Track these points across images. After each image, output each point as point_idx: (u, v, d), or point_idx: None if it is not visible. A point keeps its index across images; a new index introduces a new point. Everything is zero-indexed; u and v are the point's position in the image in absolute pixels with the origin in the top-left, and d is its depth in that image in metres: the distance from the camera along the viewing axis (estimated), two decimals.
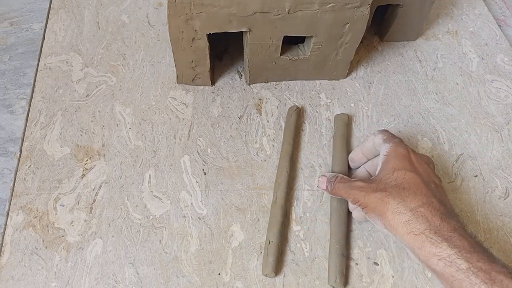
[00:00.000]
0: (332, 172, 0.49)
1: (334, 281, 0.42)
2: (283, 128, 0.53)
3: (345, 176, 0.44)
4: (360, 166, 0.48)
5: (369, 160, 0.47)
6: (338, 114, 0.54)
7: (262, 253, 0.44)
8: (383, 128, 0.47)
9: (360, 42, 0.52)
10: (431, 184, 0.40)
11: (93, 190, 0.48)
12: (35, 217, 0.46)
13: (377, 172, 0.42)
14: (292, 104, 0.55)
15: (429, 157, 0.45)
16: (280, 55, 0.52)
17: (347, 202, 0.46)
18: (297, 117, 0.53)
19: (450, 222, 0.36)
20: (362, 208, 0.41)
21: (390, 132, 0.45)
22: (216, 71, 0.58)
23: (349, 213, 0.46)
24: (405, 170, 0.40)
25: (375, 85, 0.58)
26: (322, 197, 0.48)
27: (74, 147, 0.51)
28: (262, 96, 0.56)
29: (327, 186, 0.44)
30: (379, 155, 0.44)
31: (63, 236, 0.45)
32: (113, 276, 0.43)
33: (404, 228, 0.37)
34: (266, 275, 0.43)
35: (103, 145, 0.51)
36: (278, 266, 0.43)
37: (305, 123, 0.54)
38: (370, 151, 0.47)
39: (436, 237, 0.35)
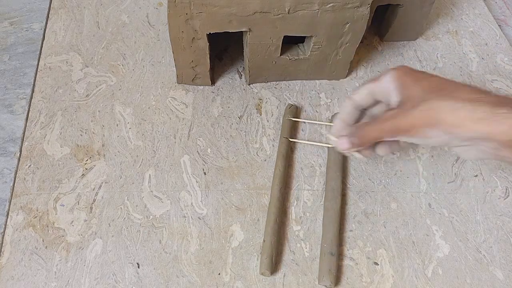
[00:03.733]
0: (327, 171, 0.49)
1: (322, 279, 0.42)
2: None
3: (367, 121, 0.39)
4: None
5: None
6: (334, 114, 0.54)
7: None
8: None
9: (360, 42, 0.52)
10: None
11: (93, 190, 0.48)
12: (35, 217, 0.46)
13: (396, 98, 0.36)
14: (291, 104, 0.55)
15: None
16: (280, 55, 0.52)
17: (340, 201, 0.46)
18: (293, 115, 0.53)
19: (500, 94, 0.33)
20: (407, 132, 0.35)
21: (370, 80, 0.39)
22: (216, 71, 0.58)
23: (341, 213, 0.46)
24: (426, 78, 0.35)
25: None
26: (322, 197, 0.48)
27: (74, 147, 0.51)
28: (262, 96, 0.56)
29: (351, 142, 0.38)
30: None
31: (63, 236, 0.45)
32: (113, 276, 0.43)
33: (471, 120, 0.32)
34: (262, 274, 0.43)
35: (103, 145, 0.51)
36: (275, 265, 0.44)
37: (305, 123, 0.54)
38: (351, 116, 0.41)
39: (506, 109, 0.31)
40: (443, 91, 0.33)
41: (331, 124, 0.52)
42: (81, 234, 0.45)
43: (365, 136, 0.37)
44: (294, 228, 0.46)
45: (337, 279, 0.43)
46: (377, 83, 0.38)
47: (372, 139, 0.38)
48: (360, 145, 0.38)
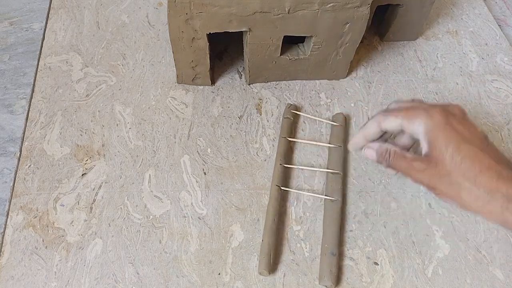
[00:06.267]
0: (327, 169, 0.49)
1: (322, 279, 0.42)
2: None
3: (398, 151, 0.40)
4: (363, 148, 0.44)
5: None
6: (334, 115, 0.54)
7: None
8: (383, 110, 0.43)
9: (360, 42, 0.52)
10: (485, 145, 0.37)
11: (93, 190, 0.48)
12: (35, 217, 0.46)
13: (427, 150, 0.38)
14: (291, 103, 0.55)
15: (459, 107, 0.40)
16: (280, 55, 0.52)
17: (340, 201, 0.46)
18: (293, 115, 0.53)
19: None
20: (430, 190, 0.38)
21: (401, 106, 0.41)
22: (216, 71, 0.58)
23: (342, 213, 0.46)
24: (457, 143, 0.37)
25: (375, 85, 0.58)
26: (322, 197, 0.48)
27: (74, 147, 0.51)
28: (262, 96, 0.56)
29: (378, 160, 0.41)
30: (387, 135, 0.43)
31: (63, 236, 0.45)
32: (113, 276, 0.43)
33: (484, 210, 0.35)
34: (260, 274, 0.43)
35: (103, 145, 0.51)
36: (275, 265, 0.44)
37: (305, 123, 0.54)
38: (375, 135, 0.43)
39: None
40: (468, 170, 0.36)
41: (330, 122, 0.53)
42: (81, 234, 0.45)
43: (393, 167, 0.40)
44: (294, 228, 0.46)
45: (338, 279, 0.43)
46: (409, 124, 0.39)
47: (398, 171, 0.41)
48: (385, 167, 0.41)
